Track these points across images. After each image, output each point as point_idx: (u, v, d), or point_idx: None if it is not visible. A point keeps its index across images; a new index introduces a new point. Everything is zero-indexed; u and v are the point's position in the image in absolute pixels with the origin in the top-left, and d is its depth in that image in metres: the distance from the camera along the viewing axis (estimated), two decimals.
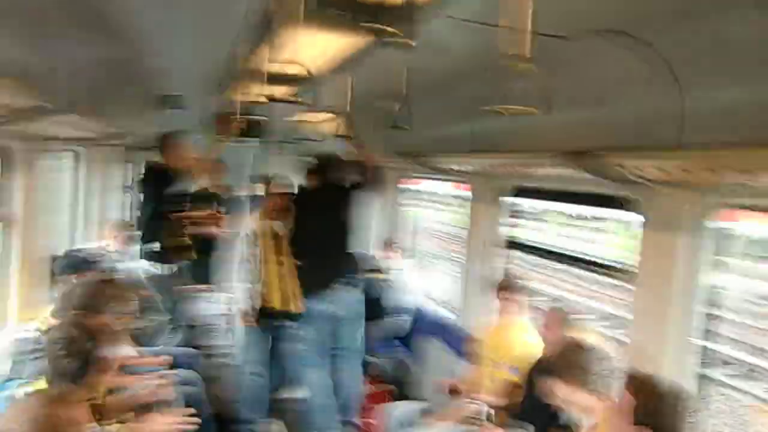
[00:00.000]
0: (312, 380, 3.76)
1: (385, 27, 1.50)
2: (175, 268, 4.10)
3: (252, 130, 6.16)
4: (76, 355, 1.94)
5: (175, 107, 5.40)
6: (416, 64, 2.36)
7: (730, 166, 1.68)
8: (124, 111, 4.21)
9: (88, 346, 1.95)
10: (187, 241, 4.10)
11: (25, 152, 3.36)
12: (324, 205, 3.86)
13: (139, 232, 4.18)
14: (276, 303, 3.83)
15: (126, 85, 4.38)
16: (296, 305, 3.79)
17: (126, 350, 3.23)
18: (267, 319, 3.92)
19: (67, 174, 4.78)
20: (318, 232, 3.79)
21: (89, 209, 5.13)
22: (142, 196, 4.28)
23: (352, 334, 3.88)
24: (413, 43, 1.71)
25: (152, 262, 4.08)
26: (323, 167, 3.94)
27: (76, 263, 3.35)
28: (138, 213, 4.37)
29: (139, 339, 3.85)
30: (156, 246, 4.01)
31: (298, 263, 3.86)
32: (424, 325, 4.61)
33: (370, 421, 3.79)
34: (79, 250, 4.34)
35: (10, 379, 2.32)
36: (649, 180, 2.09)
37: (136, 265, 4.26)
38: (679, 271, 2.29)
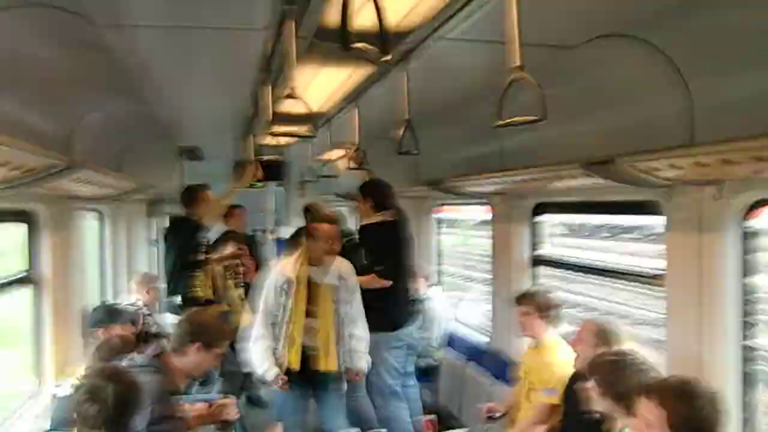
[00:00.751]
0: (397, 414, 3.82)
1: (377, 52, 1.51)
2: None
3: (271, 173, 6.27)
4: (99, 401, 1.96)
5: (193, 159, 5.55)
6: (426, 89, 2.38)
7: (743, 157, 1.63)
8: (145, 166, 4.31)
9: (109, 391, 1.95)
10: (202, 292, 4.12)
11: (51, 214, 3.45)
12: (400, 239, 3.86)
13: (165, 285, 4.22)
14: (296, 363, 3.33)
15: (145, 141, 4.51)
16: (327, 363, 3.36)
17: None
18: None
19: (93, 232, 4.89)
20: (400, 267, 3.81)
21: (117, 266, 5.23)
22: (165, 250, 4.33)
23: (412, 363, 4.09)
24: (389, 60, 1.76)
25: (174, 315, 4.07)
26: (384, 198, 3.86)
27: (108, 314, 3.41)
28: (164, 266, 4.39)
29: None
30: (178, 299, 4.03)
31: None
32: (459, 350, 4.53)
33: None
34: (110, 303, 4.42)
35: None
36: (667, 179, 2.05)
37: (166, 317, 4.30)
38: (707, 271, 2.22)
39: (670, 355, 2.47)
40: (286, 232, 7.50)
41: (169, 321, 4.15)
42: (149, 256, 5.75)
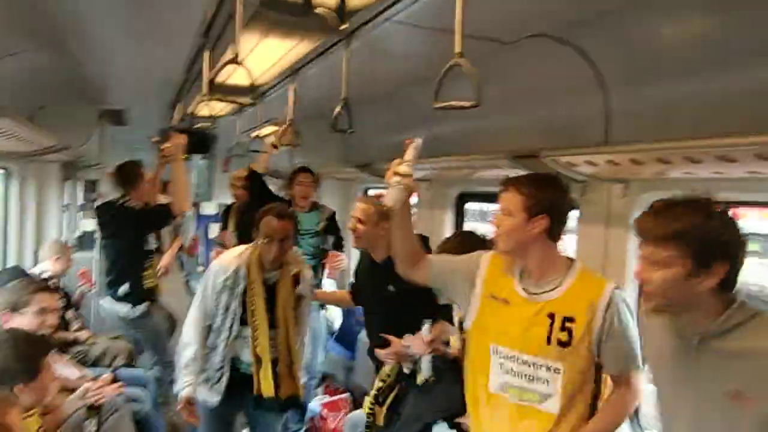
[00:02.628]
0: None
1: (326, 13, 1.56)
2: (144, 308, 3.80)
3: (196, 145, 6.05)
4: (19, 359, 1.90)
5: (116, 123, 5.31)
6: (364, 71, 2.42)
7: (648, 159, 1.81)
8: (61, 125, 4.06)
9: (30, 351, 1.90)
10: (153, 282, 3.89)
11: None
12: None
13: (104, 275, 3.91)
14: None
15: (63, 98, 4.26)
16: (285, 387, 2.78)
17: (70, 370, 3.13)
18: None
19: None
20: None
21: (24, 231, 4.92)
22: (100, 236, 4.02)
23: None
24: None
25: (121, 304, 3.78)
26: None
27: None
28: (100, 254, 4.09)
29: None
30: (125, 288, 3.75)
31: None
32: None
33: None
34: (15, 269, 4.17)
35: None
36: (584, 175, 2.23)
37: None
38: (610, 260, 2.44)
39: None
40: (209, 207, 7.37)
41: (107, 306, 3.88)
42: (60, 223, 5.44)
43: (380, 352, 2.60)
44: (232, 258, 2.75)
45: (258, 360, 2.70)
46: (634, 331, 1.77)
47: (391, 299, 2.60)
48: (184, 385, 2.64)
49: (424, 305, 2.46)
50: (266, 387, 2.70)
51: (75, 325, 3.99)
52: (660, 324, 1.54)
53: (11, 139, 2.99)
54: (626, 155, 1.87)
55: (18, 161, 4.63)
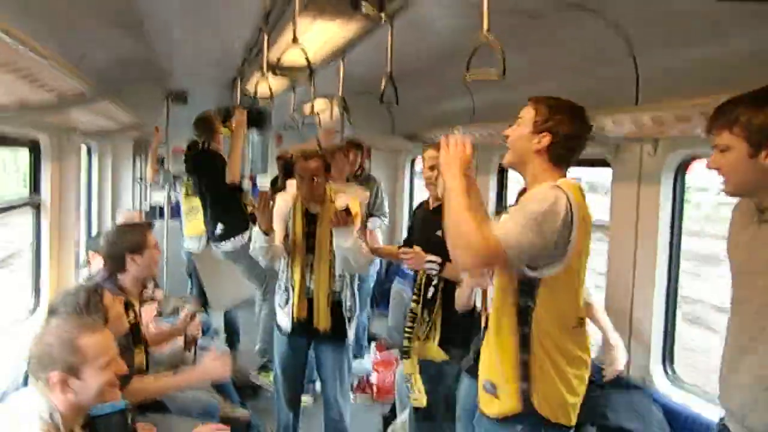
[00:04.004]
0: None
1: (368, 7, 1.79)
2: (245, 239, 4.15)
3: (252, 121, 6.41)
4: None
5: (178, 102, 5.69)
6: (407, 47, 2.62)
7: (669, 118, 1.97)
8: (136, 105, 4.45)
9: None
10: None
11: (52, 143, 3.62)
12: None
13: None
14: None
15: (136, 81, 4.65)
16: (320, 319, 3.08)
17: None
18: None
19: (83, 166, 5.06)
20: None
21: (102, 200, 5.42)
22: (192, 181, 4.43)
23: None
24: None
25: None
26: None
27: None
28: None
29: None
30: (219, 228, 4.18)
31: None
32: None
33: None
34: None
35: None
36: (614, 136, 2.38)
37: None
38: (643, 217, 2.60)
39: (608, 285, 2.86)
40: (264, 179, 7.76)
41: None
42: (133, 194, 5.94)
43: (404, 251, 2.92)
44: (290, 195, 3.17)
45: (293, 286, 3.06)
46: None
47: (440, 244, 2.82)
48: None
49: None
50: (298, 312, 3.05)
51: (150, 286, 4.46)
52: (741, 212, 1.68)
53: (100, 117, 3.35)
54: (649, 114, 2.02)
55: (97, 138, 5.10)
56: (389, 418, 3.71)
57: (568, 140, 1.90)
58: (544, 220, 1.75)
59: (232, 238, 4.17)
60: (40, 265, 3.65)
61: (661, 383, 2.63)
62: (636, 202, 2.64)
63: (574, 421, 1.95)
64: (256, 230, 3.04)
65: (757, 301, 1.56)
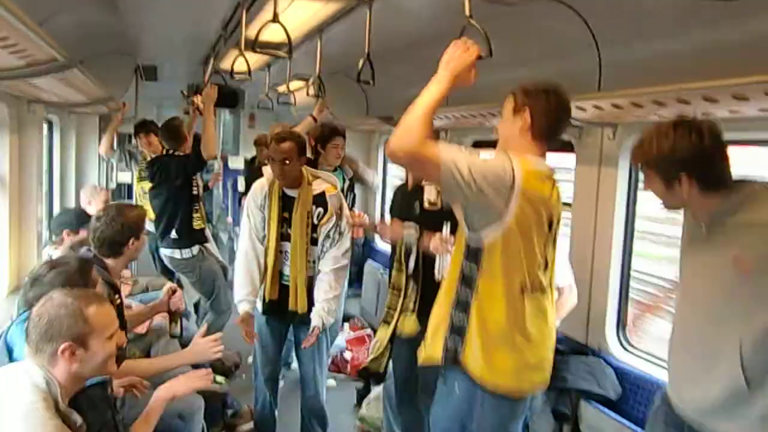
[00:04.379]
0: None
1: None
2: (196, 250, 4.24)
3: (224, 100, 6.33)
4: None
5: (148, 78, 5.60)
6: (383, 29, 2.69)
7: (625, 103, 2.12)
8: (103, 78, 4.37)
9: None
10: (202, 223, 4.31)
11: (10, 114, 3.53)
12: None
13: (155, 224, 4.28)
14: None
15: (104, 53, 4.55)
16: (297, 301, 3.08)
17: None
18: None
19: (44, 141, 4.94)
20: None
21: (65, 177, 5.32)
22: (155, 186, 4.35)
23: None
24: None
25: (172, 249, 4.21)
26: None
27: (77, 218, 3.62)
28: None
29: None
30: (174, 233, 4.17)
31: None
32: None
33: None
34: (71, 209, 4.60)
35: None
36: (577, 120, 2.53)
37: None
38: (602, 197, 2.78)
39: (570, 259, 3.01)
40: (236, 161, 7.71)
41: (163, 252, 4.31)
42: (98, 171, 5.84)
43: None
44: (266, 179, 3.14)
45: (266, 269, 3.06)
46: None
47: (417, 218, 2.91)
48: (240, 299, 3.04)
49: (444, 222, 2.76)
50: (270, 295, 3.07)
51: None
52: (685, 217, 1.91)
53: (68, 88, 3.29)
54: (607, 100, 2.17)
55: (60, 113, 4.98)
56: (363, 393, 3.82)
57: (547, 114, 2.00)
58: (482, 166, 1.85)
59: (184, 250, 4.20)
60: None
61: (614, 349, 2.84)
62: (596, 184, 2.81)
63: (511, 387, 2.02)
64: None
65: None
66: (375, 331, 4.66)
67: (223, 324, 4.19)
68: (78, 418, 1.75)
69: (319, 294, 3.01)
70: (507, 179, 1.86)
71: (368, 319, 5.02)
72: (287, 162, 2.98)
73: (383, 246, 5.17)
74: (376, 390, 3.47)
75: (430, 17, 2.90)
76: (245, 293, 3.06)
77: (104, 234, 2.63)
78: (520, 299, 1.97)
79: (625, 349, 2.86)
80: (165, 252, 4.26)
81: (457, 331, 2.01)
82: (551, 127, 2.03)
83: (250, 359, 3.88)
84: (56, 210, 5.15)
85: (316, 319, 2.96)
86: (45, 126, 4.98)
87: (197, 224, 4.25)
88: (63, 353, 1.71)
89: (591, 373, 2.69)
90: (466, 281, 2.01)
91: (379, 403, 3.34)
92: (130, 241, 2.66)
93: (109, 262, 2.65)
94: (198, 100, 4.54)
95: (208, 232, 4.46)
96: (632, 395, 2.69)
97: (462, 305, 2.01)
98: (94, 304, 1.80)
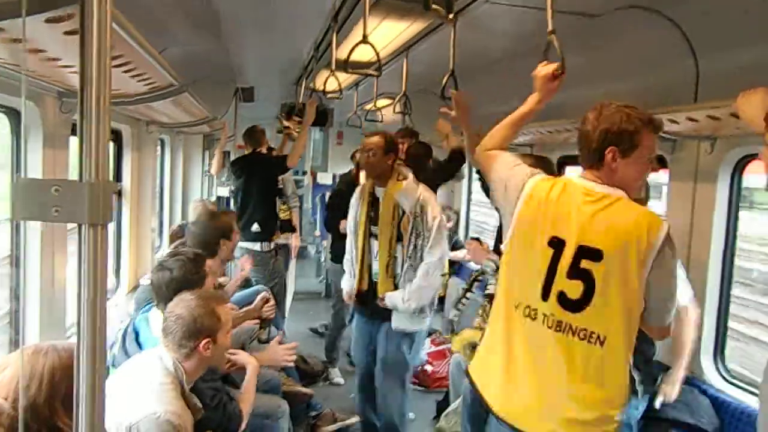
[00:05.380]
0: None
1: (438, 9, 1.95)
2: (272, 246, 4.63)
3: (316, 119, 6.61)
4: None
5: (246, 100, 5.97)
6: (468, 46, 2.72)
7: (724, 114, 2.01)
8: (208, 101, 4.72)
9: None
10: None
11: (132, 135, 3.94)
12: None
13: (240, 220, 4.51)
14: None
15: (207, 78, 4.93)
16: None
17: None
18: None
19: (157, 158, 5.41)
20: None
21: (174, 191, 5.77)
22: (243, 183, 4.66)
23: None
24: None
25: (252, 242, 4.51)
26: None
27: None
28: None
29: None
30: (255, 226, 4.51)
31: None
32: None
33: None
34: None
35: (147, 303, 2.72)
36: (671, 134, 2.43)
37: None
38: (698, 215, 2.64)
39: None
40: (324, 177, 8.01)
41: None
42: (202, 186, 6.28)
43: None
44: (363, 182, 3.41)
45: (358, 263, 3.26)
46: None
47: None
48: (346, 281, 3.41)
49: None
50: (360, 287, 3.26)
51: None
52: None
53: (180, 110, 3.63)
54: (703, 112, 2.08)
55: (170, 133, 5.43)
56: (442, 405, 3.83)
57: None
58: (513, 161, 1.96)
59: (264, 243, 4.52)
60: (120, 248, 3.96)
61: (711, 377, 2.66)
62: (692, 200, 2.68)
63: (494, 408, 1.84)
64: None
65: None
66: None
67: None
68: (197, 402, 2.02)
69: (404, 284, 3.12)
70: (520, 182, 1.88)
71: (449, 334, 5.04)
72: (370, 154, 3.17)
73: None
74: (456, 403, 3.47)
75: (513, 34, 2.91)
76: (348, 286, 3.41)
77: (198, 235, 2.97)
78: (522, 322, 1.82)
79: (724, 378, 2.66)
80: (245, 245, 4.46)
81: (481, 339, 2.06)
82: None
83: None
84: (166, 220, 5.59)
85: (387, 297, 3.11)
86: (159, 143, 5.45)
87: (284, 215, 4.69)
88: (203, 348, 1.99)
89: (685, 403, 2.51)
90: (492, 296, 2.10)
91: (458, 415, 3.33)
92: (221, 241, 2.91)
93: (208, 262, 2.87)
94: (291, 123, 4.88)
95: (296, 224, 4.97)
96: (731, 428, 2.49)
97: (485, 317, 2.08)
98: (221, 302, 2.11)
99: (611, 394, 1.74)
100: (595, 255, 1.71)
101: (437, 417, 3.75)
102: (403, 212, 3.09)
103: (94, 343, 0.85)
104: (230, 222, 3.02)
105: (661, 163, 2.90)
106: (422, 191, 3.12)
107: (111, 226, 3.95)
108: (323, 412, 3.83)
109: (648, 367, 2.46)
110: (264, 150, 4.91)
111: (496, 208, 2.19)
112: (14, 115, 2.21)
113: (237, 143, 5.90)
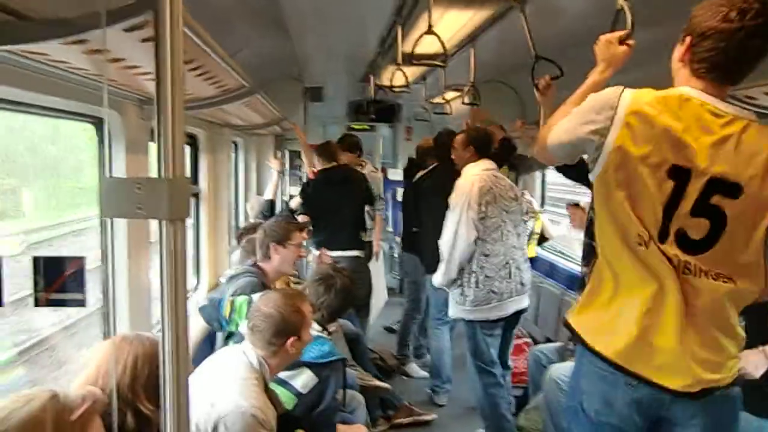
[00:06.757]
0: None
1: None
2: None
3: (383, 114, 6.65)
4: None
5: (314, 99, 6.08)
6: (535, 32, 2.65)
7: None
8: (278, 102, 4.82)
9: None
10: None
11: (207, 138, 4.08)
12: None
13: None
14: None
15: (275, 79, 5.05)
16: None
17: None
18: None
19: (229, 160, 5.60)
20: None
21: (248, 191, 5.97)
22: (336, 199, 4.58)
23: None
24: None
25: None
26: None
27: None
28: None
29: None
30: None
31: None
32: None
33: None
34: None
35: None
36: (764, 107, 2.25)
37: None
38: None
39: None
40: (395, 174, 7.99)
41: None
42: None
43: None
44: None
45: None
46: None
47: None
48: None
49: None
50: None
51: None
52: None
53: (252, 112, 3.74)
54: None
55: (243, 135, 5.62)
56: (522, 402, 3.77)
57: (705, 38, 1.50)
58: (584, 107, 1.61)
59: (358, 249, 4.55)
60: (199, 248, 4.13)
61: None
62: None
63: (615, 353, 1.59)
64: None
65: None
66: (534, 339, 4.60)
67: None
68: (280, 397, 2.14)
69: None
70: (611, 103, 1.53)
71: (528, 328, 4.91)
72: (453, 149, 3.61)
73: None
74: (536, 399, 3.39)
75: (582, 15, 2.79)
76: None
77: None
78: (646, 253, 1.53)
79: None
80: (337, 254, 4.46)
81: (582, 285, 1.86)
82: (720, 59, 1.48)
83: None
84: (241, 220, 5.79)
85: None
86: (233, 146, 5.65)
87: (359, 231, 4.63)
88: (291, 345, 2.07)
89: None
90: (589, 230, 1.87)
91: (539, 412, 3.26)
92: (272, 246, 3.04)
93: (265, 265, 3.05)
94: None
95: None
96: None
97: (586, 258, 1.96)
98: (304, 300, 2.20)
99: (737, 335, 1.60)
100: (732, 189, 1.47)
101: (516, 414, 3.68)
102: None
103: (177, 336, 0.89)
104: (287, 226, 3.17)
105: None
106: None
107: (189, 232, 4.12)
108: (400, 405, 3.86)
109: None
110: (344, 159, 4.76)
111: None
112: (98, 123, 2.34)
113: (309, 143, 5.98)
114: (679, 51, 1.58)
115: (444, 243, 3.40)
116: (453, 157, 3.71)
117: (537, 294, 4.87)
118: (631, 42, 1.76)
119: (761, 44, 1.45)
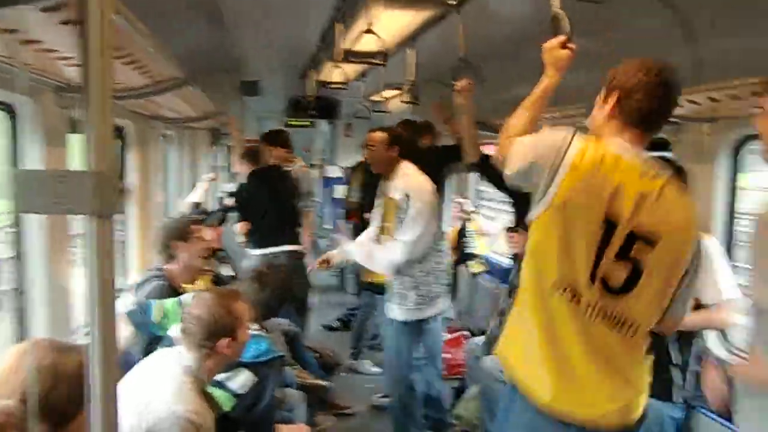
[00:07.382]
0: None
1: None
2: None
3: (323, 111, 6.58)
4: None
5: (251, 94, 5.93)
6: (474, 34, 2.69)
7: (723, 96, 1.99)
8: (211, 94, 4.65)
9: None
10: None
11: (136, 131, 3.87)
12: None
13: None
14: None
15: (210, 72, 4.88)
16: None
17: None
18: None
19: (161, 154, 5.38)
20: None
21: (183, 188, 5.76)
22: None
23: None
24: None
25: None
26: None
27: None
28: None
29: None
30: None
31: None
32: None
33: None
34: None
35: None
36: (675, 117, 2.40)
37: None
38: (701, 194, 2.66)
39: None
40: (333, 170, 7.96)
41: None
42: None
43: None
44: None
45: None
46: None
47: None
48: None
49: None
50: None
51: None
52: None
53: (185, 104, 3.59)
54: (703, 94, 2.05)
55: (175, 128, 5.41)
56: (460, 391, 3.85)
57: (633, 92, 1.63)
58: (539, 140, 1.71)
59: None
60: (126, 247, 3.92)
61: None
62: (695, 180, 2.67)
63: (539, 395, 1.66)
64: None
65: None
66: (471, 332, 4.68)
67: None
68: (217, 399, 2.05)
69: None
70: (558, 153, 1.61)
71: (465, 323, 5.02)
72: (370, 147, 3.27)
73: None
74: (473, 389, 3.49)
75: (519, 20, 2.87)
76: None
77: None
78: (557, 300, 1.63)
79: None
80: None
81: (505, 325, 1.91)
82: (638, 108, 1.63)
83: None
84: (174, 215, 5.57)
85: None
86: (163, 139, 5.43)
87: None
88: (227, 346, 1.98)
89: None
90: (519, 272, 1.82)
91: (476, 402, 3.36)
92: (174, 244, 2.89)
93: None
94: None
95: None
96: None
97: (509, 297, 1.95)
98: (237, 299, 2.09)
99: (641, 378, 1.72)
100: (649, 240, 1.60)
101: (454, 404, 3.76)
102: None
103: (104, 339, 0.85)
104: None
105: (665, 147, 2.89)
106: (410, 182, 3.15)
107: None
108: (341, 402, 3.91)
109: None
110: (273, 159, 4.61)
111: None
112: (10, 110, 2.16)
113: (245, 137, 5.83)
114: (605, 108, 1.70)
115: (403, 244, 3.17)
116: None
117: (472, 287, 4.99)
118: (572, 45, 1.83)
119: (676, 96, 1.68)
